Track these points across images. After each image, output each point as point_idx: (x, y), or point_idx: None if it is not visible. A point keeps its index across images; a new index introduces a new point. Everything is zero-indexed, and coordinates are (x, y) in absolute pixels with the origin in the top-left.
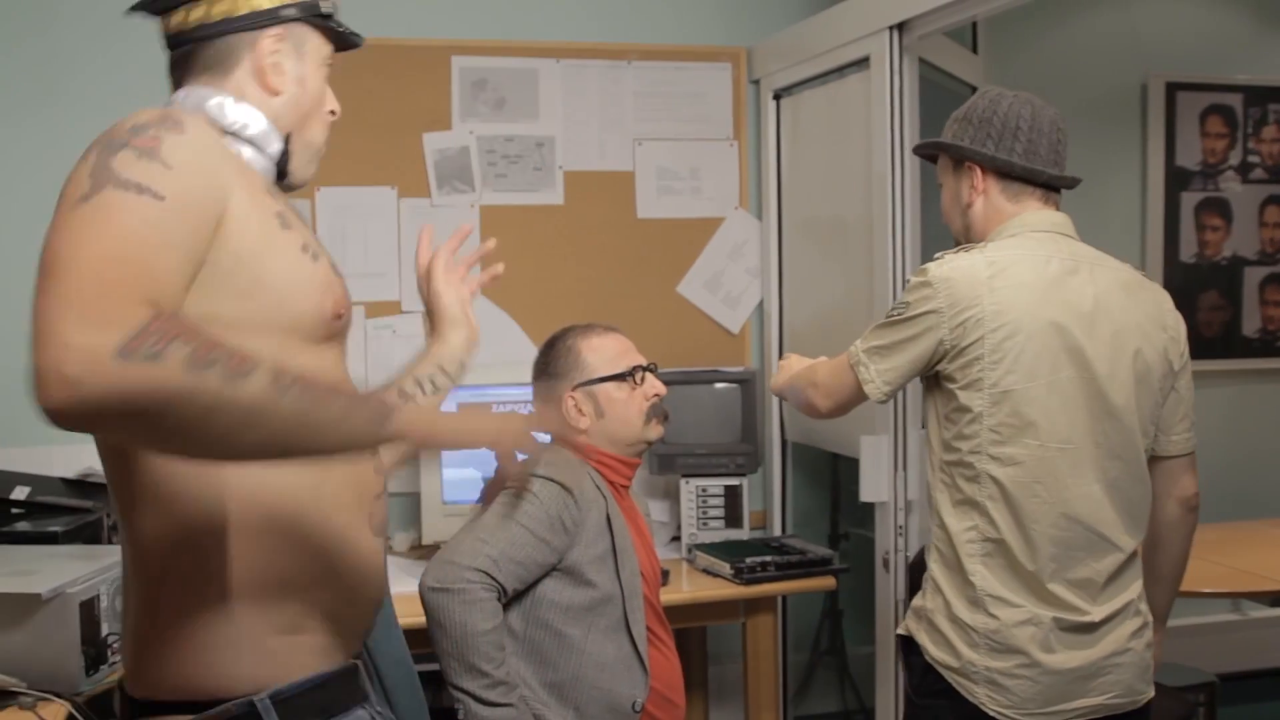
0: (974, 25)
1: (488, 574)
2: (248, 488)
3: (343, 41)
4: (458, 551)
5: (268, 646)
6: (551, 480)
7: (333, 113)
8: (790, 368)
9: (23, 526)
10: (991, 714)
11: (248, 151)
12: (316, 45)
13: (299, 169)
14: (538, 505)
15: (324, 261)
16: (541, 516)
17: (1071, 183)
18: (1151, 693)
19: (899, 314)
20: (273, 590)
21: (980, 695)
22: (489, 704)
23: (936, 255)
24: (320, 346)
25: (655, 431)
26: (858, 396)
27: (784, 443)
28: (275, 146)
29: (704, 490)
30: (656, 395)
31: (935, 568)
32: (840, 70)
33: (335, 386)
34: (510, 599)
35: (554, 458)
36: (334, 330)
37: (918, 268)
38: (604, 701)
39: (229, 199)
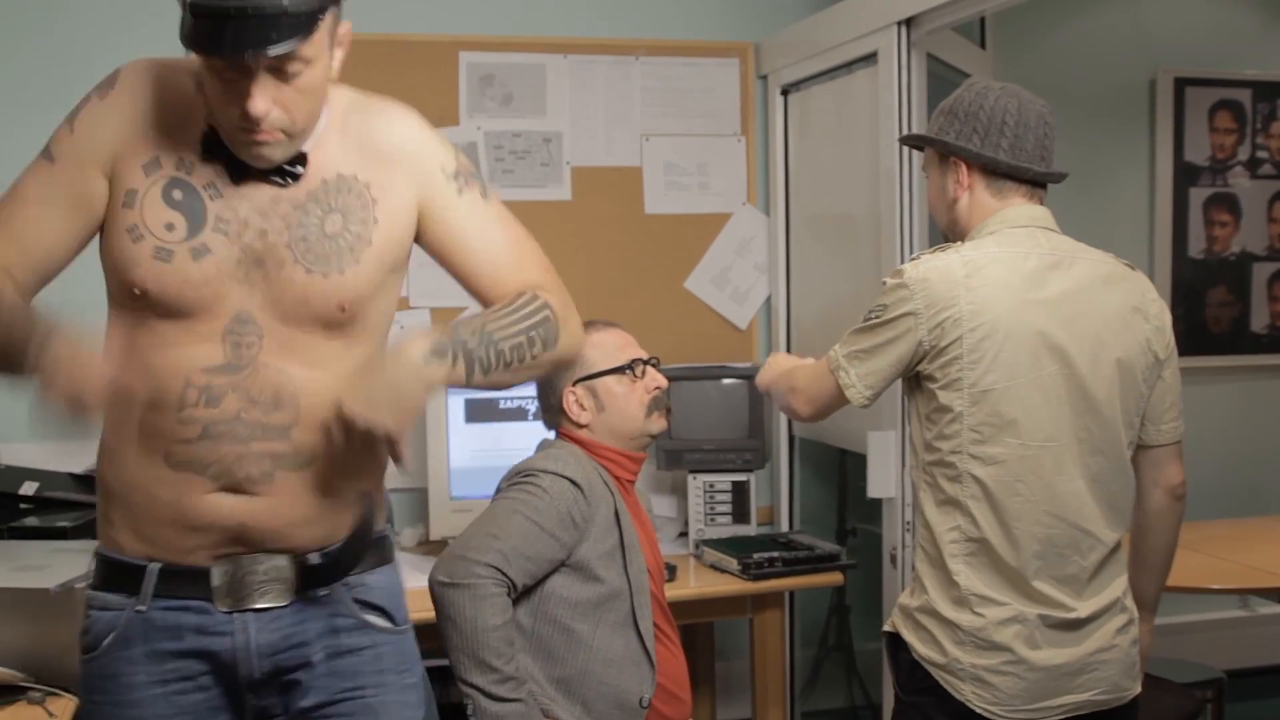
0: (982, 20)
1: (498, 569)
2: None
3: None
4: (468, 546)
5: (108, 518)
6: (561, 475)
7: (244, 124)
8: (776, 365)
9: (31, 522)
10: (978, 711)
11: None
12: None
13: (237, 151)
14: (548, 501)
15: (146, 245)
16: (551, 512)
17: (1058, 178)
18: (1138, 689)
19: (876, 317)
20: (106, 490)
21: (966, 692)
22: (498, 699)
23: (913, 255)
24: (136, 315)
25: (657, 424)
26: (839, 400)
27: (791, 438)
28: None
29: (711, 486)
30: (658, 388)
31: (920, 567)
32: (848, 66)
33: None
34: (519, 595)
35: (563, 454)
36: (137, 304)
37: (894, 269)
38: (611, 697)
39: (117, 161)
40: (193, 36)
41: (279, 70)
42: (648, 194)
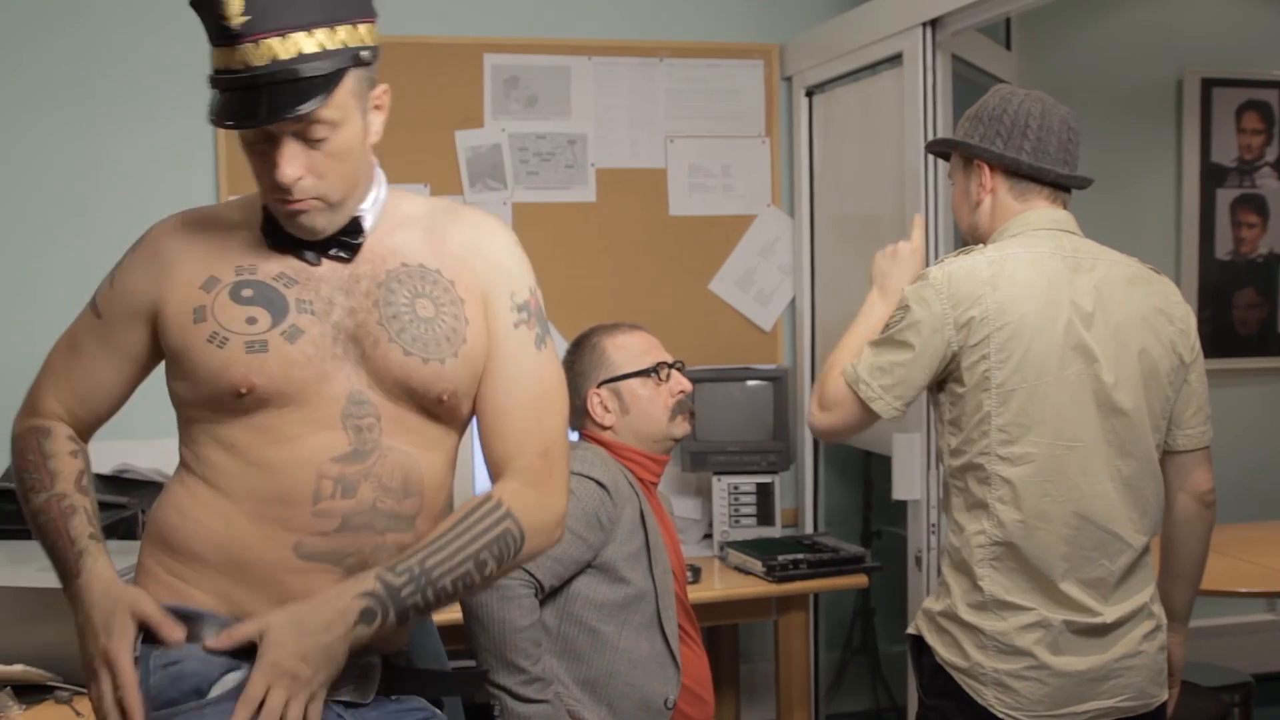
0: (1007, 21)
1: (526, 570)
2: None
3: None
4: None
5: (163, 578)
6: (588, 477)
7: (278, 193)
8: (854, 337)
9: None
10: (1000, 716)
11: None
12: None
13: (283, 223)
14: (574, 502)
15: (234, 344)
16: (579, 513)
17: (1082, 182)
18: (1164, 695)
19: (902, 322)
20: (172, 549)
21: (989, 697)
22: (525, 700)
23: (937, 260)
24: (241, 420)
25: (681, 428)
26: (865, 417)
27: (816, 440)
28: (257, 210)
29: (736, 488)
30: (682, 392)
31: (946, 571)
32: (873, 67)
33: (69, 530)
34: (545, 596)
35: (589, 455)
36: (244, 406)
37: (919, 272)
38: (636, 698)
39: (160, 303)
40: (218, 111)
41: (305, 135)
42: (672, 196)
